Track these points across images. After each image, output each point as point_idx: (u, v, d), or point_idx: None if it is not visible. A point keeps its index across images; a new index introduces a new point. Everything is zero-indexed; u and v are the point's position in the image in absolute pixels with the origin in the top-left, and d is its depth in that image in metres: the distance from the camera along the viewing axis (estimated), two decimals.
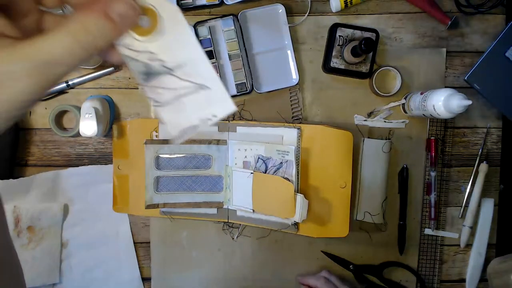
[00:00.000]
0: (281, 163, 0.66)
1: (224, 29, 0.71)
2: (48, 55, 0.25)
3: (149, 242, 0.73)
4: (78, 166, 0.73)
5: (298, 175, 0.66)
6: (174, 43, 0.30)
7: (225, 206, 0.70)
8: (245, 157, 0.68)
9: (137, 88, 0.73)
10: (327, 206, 0.67)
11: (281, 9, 0.70)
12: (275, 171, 0.67)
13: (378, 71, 0.70)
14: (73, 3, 0.29)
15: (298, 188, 0.66)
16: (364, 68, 0.68)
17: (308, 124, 0.68)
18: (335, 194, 0.67)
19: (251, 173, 0.67)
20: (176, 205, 0.69)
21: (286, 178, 0.65)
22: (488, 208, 0.72)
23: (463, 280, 0.73)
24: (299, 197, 0.64)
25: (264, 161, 0.67)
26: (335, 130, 0.67)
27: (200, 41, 0.70)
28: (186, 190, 0.70)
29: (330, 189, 0.67)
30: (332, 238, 0.70)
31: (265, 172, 0.67)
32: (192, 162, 0.70)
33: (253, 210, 0.68)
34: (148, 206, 0.69)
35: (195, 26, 0.70)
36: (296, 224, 0.68)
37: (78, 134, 0.68)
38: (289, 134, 0.67)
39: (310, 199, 0.67)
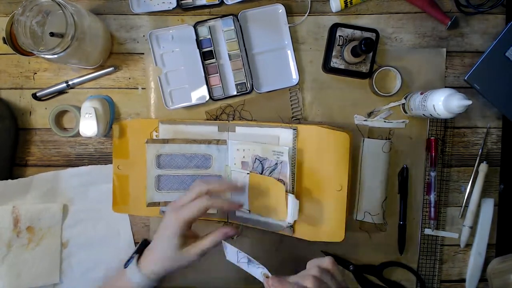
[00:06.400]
0: (276, 164, 0.65)
1: (224, 29, 0.71)
2: (204, 247, 0.59)
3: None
4: (78, 166, 0.73)
5: (293, 177, 0.65)
6: None
7: None
8: (243, 157, 0.68)
9: (137, 88, 0.73)
10: (323, 209, 0.65)
11: (281, 9, 0.70)
12: (270, 172, 0.66)
13: (378, 71, 0.70)
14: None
15: (293, 190, 0.65)
16: (364, 68, 0.68)
17: (304, 125, 0.67)
18: (331, 197, 0.64)
19: (248, 173, 0.67)
20: None
21: (281, 180, 0.65)
22: (488, 208, 0.72)
23: (463, 280, 0.73)
24: (290, 197, 0.63)
25: (260, 161, 0.67)
26: (330, 131, 0.64)
27: (200, 41, 0.70)
28: (186, 189, 0.69)
29: (326, 192, 0.65)
30: None
31: (261, 173, 0.67)
32: (192, 162, 0.70)
33: (249, 211, 0.68)
34: (149, 204, 0.69)
35: (195, 26, 0.70)
36: (291, 227, 0.67)
37: (78, 134, 0.68)
38: (285, 135, 0.66)
39: (306, 201, 0.66)
